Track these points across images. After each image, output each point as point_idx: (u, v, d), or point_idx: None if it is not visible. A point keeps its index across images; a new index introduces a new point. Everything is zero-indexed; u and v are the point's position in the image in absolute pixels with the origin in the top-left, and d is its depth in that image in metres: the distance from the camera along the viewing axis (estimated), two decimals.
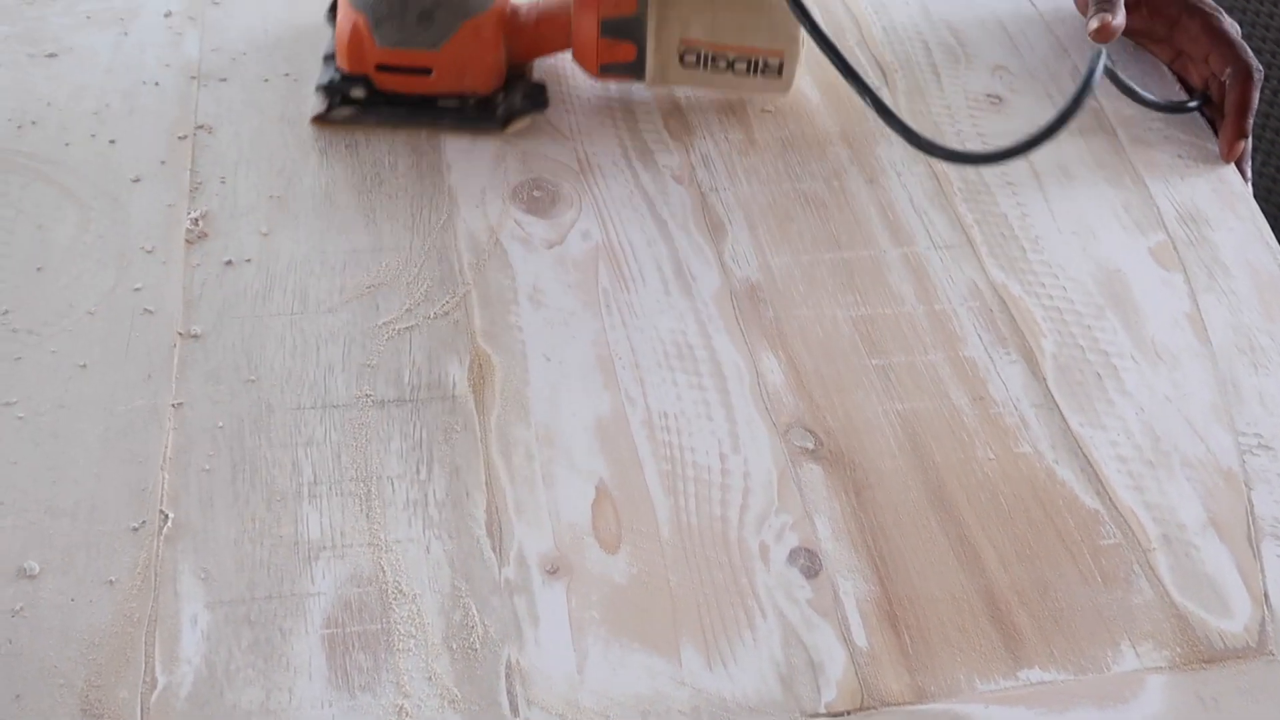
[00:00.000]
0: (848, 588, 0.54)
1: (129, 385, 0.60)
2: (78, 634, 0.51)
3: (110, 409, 0.59)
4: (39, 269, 0.65)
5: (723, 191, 0.72)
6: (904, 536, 0.56)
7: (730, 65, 0.72)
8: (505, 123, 0.73)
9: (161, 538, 0.54)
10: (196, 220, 0.67)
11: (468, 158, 0.73)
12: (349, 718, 0.49)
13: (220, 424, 0.58)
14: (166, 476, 0.56)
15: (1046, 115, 0.68)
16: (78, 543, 0.54)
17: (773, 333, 0.64)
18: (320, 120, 0.72)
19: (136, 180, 0.70)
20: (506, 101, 0.73)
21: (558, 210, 0.70)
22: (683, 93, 0.78)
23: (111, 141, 0.72)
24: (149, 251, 0.66)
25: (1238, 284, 0.68)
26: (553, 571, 0.54)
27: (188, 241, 0.66)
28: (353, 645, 0.51)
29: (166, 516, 0.55)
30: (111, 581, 0.52)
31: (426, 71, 0.71)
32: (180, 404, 0.59)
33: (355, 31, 0.70)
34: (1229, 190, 0.74)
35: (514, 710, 0.49)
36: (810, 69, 0.79)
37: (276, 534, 0.54)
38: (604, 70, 0.73)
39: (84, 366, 0.60)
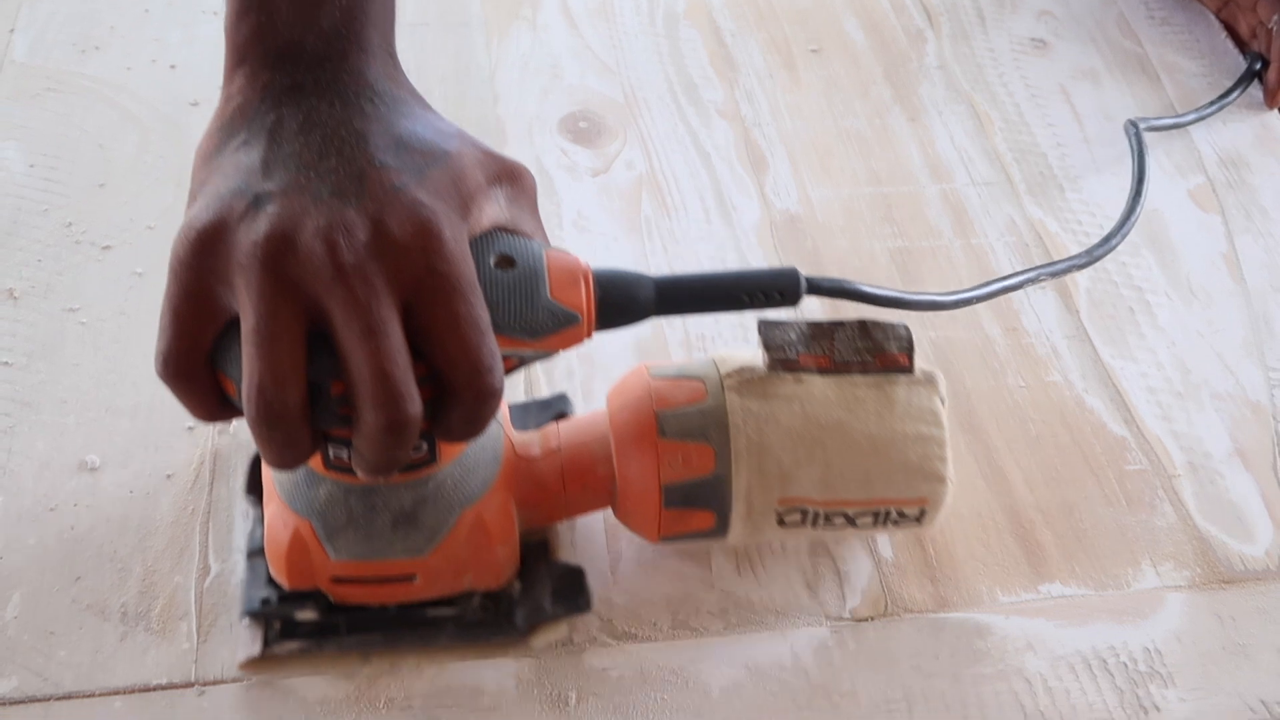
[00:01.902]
0: None
1: None
2: (136, 523, 0.53)
3: None
4: (101, 185, 0.67)
5: (765, 127, 0.73)
6: None
7: (850, 521, 0.50)
8: (529, 631, 0.51)
9: (217, 435, 0.56)
10: None
11: (517, 90, 0.74)
12: None
13: None
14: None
15: (1090, 60, 0.69)
16: (136, 440, 0.56)
17: (811, 262, 0.66)
18: (256, 665, 0.49)
19: (195, 104, 0.72)
20: (528, 599, 0.51)
21: (603, 141, 0.72)
22: (728, 28, 0.79)
23: (172, 67, 0.74)
24: None
25: (1275, 226, 0.69)
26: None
27: None
28: None
29: None
30: (169, 476, 0.55)
31: (409, 579, 0.49)
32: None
33: (297, 543, 0.47)
34: (1271, 136, 0.75)
35: None
36: (856, 11, 0.80)
37: None
38: (667, 540, 0.51)
39: (141, 274, 0.62)
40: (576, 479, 0.50)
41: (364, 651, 0.49)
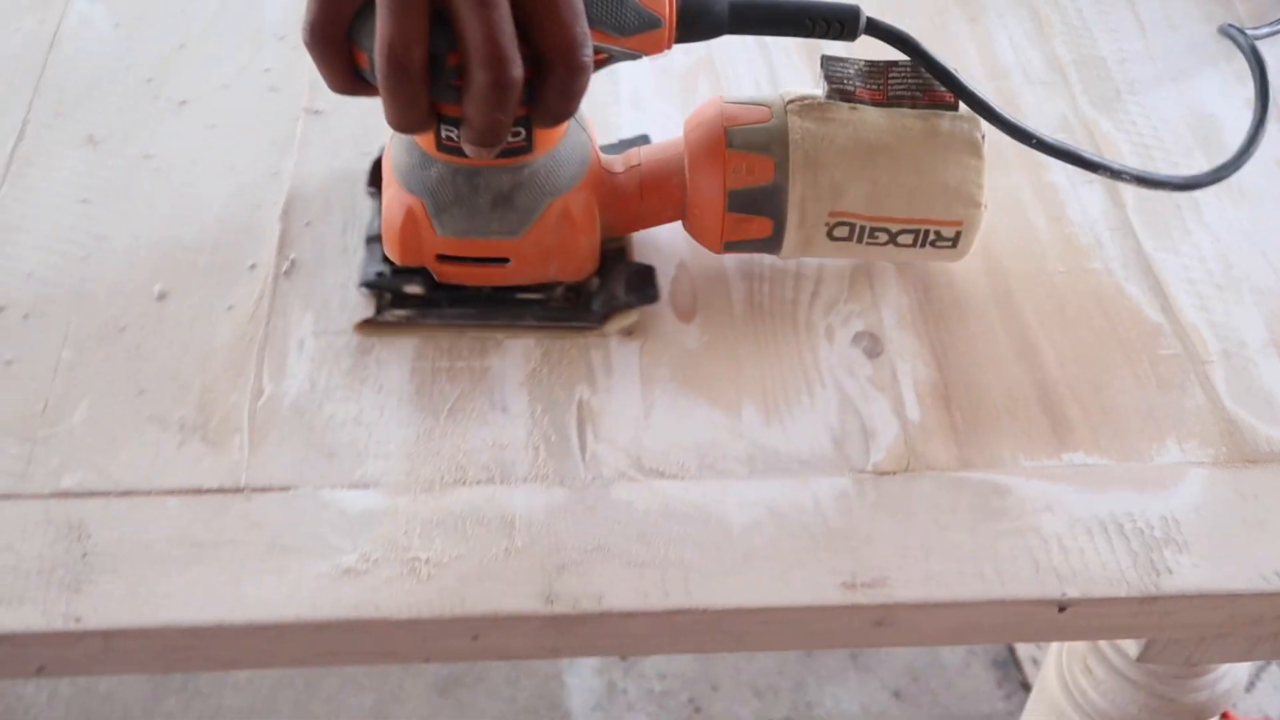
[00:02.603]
0: (906, 369, 0.57)
1: (254, 149, 0.65)
2: (197, 347, 0.56)
3: (235, 166, 0.64)
4: (181, 46, 0.70)
5: None
6: (966, 330, 0.59)
7: (892, 238, 0.56)
8: (604, 319, 0.57)
9: (279, 274, 0.59)
10: None
11: None
12: (434, 434, 0.53)
13: (333, 185, 0.63)
14: (281, 226, 0.61)
15: None
16: (201, 274, 0.59)
17: None
18: (368, 326, 0.56)
19: None
20: (604, 291, 0.58)
21: None
22: None
23: None
24: (280, 38, 0.71)
25: None
26: (628, 333, 0.58)
27: None
28: (441, 378, 0.56)
29: (287, 257, 0.60)
30: (230, 307, 0.58)
31: (503, 261, 0.55)
32: (300, 168, 0.64)
33: (410, 219, 0.54)
34: None
35: (582, 444, 0.54)
36: None
37: None
38: (729, 247, 0.58)
39: (214, 127, 0.65)
40: (653, 189, 0.57)
41: (460, 325, 0.57)
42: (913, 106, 0.55)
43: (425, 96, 0.48)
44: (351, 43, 0.48)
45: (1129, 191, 0.65)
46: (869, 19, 0.54)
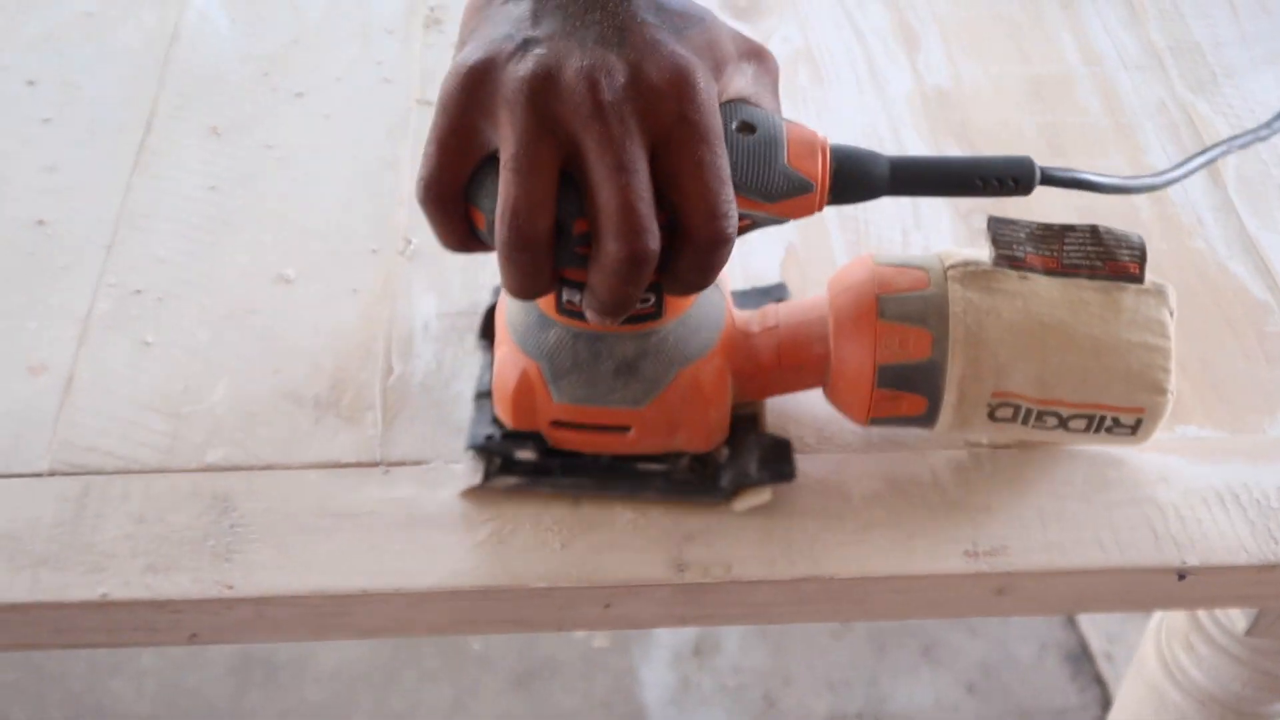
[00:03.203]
0: None
1: (371, 138, 0.67)
2: (327, 328, 0.58)
3: (354, 155, 0.66)
4: (295, 41, 0.72)
5: (919, 9, 0.75)
6: None
7: (1063, 422, 0.50)
8: (733, 495, 0.52)
9: (401, 258, 0.61)
10: (433, 8, 0.74)
11: None
12: None
13: None
14: (403, 212, 0.63)
15: None
16: (326, 258, 0.61)
17: (959, 133, 0.68)
18: (475, 494, 0.52)
19: None
20: (734, 464, 0.53)
21: (761, 16, 0.75)
22: None
23: None
24: (390, 32, 0.73)
25: None
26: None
27: (425, 26, 0.73)
28: None
29: (408, 241, 0.61)
30: (355, 290, 0.60)
31: (624, 430, 0.51)
32: (415, 156, 0.65)
33: (524, 383, 0.50)
34: None
35: None
36: None
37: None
38: (875, 422, 0.52)
39: (329, 117, 0.67)
40: (792, 355, 0.52)
41: (575, 495, 0.52)
42: (1090, 277, 0.49)
43: (548, 264, 0.43)
44: (469, 202, 0.44)
45: (1230, 172, 0.66)
46: (1042, 170, 0.48)
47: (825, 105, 0.69)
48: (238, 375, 0.56)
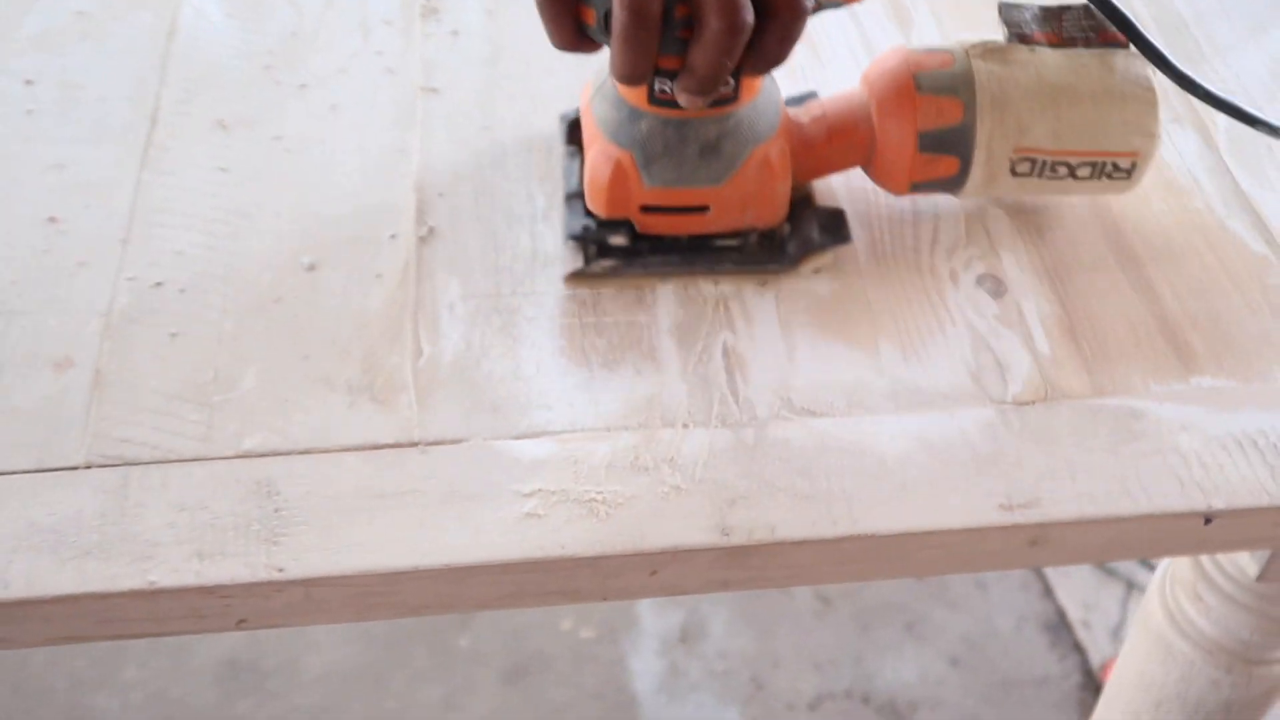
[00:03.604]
0: (1030, 307, 0.59)
1: (378, 126, 0.67)
2: (352, 314, 0.58)
3: (363, 144, 0.66)
4: (293, 34, 0.72)
5: None
6: (1083, 269, 0.61)
7: (1072, 171, 0.59)
8: (799, 260, 0.60)
9: (420, 243, 0.61)
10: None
11: None
12: (591, 385, 0.56)
13: (459, 158, 0.65)
14: (416, 198, 0.63)
15: None
16: (346, 245, 0.61)
17: None
18: (577, 277, 0.59)
19: None
20: (799, 234, 0.60)
21: None
22: None
23: None
24: (388, 23, 0.73)
25: None
26: (763, 284, 0.60)
27: (421, 16, 0.73)
28: (590, 331, 0.58)
29: (426, 225, 0.62)
30: (379, 275, 0.60)
31: (704, 210, 0.58)
32: (425, 143, 0.66)
33: (619, 171, 0.57)
34: None
35: (733, 388, 0.56)
36: None
37: (515, 247, 0.61)
38: (915, 188, 0.60)
39: (336, 107, 0.68)
40: (841, 135, 0.59)
41: (663, 273, 0.59)
42: (1087, 46, 0.58)
43: (656, 45, 0.50)
44: (579, 1, 0.51)
45: (1221, 135, 0.68)
46: None
47: (826, 84, 0.70)
48: (267, 362, 0.56)
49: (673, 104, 0.54)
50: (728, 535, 0.51)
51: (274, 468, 0.52)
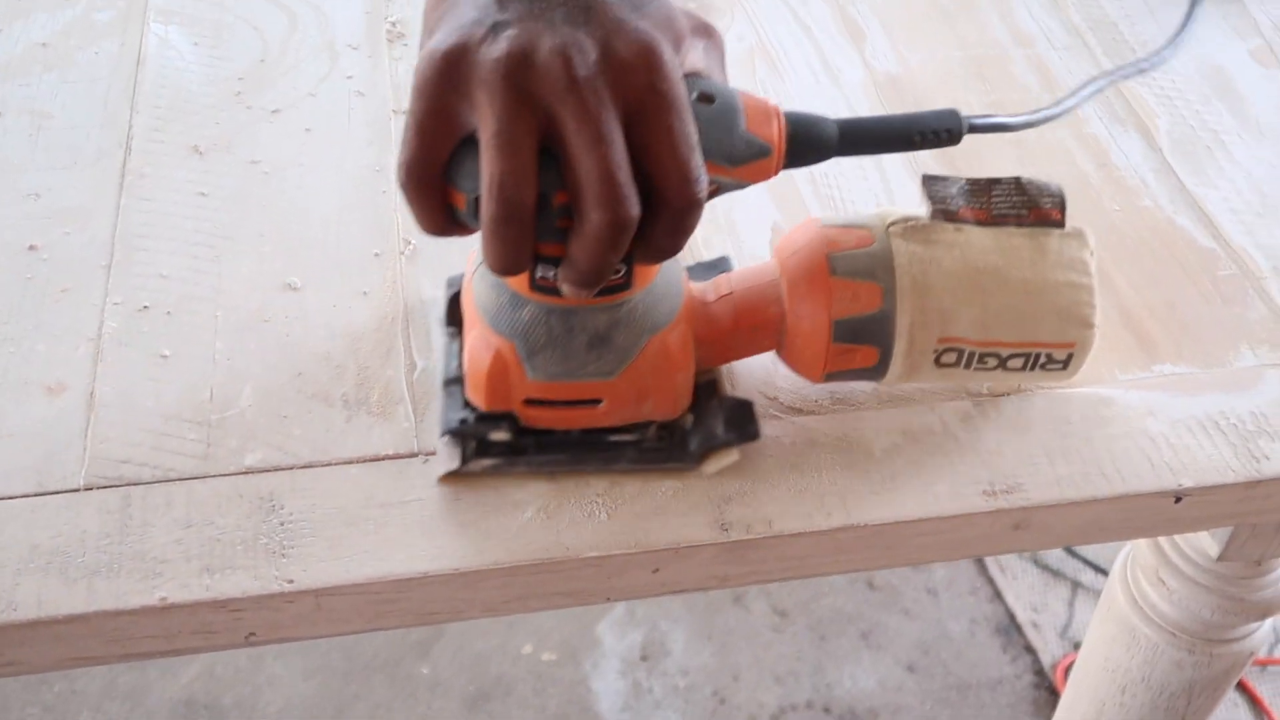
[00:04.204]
0: None
1: (354, 148, 0.68)
2: (342, 330, 0.59)
3: (340, 165, 0.67)
4: (261, 60, 0.73)
5: (859, 4, 0.80)
6: None
7: (1002, 363, 0.54)
8: (701, 458, 0.54)
9: (403, 259, 0.62)
10: (394, 23, 0.76)
11: None
12: None
13: None
14: (399, 217, 0.64)
15: None
16: (330, 265, 0.62)
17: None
18: (454, 478, 0.53)
19: None
20: (701, 429, 0.55)
21: (713, 18, 0.78)
22: None
23: None
24: (355, 48, 0.74)
25: None
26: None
27: (388, 40, 0.75)
28: None
29: (408, 242, 0.63)
30: (365, 293, 0.61)
31: (595, 403, 0.53)
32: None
33: (498, 363, 0.51)
34: None
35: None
36: None
37: None
38: (829, 377, 0.55)
39: (310, 130, 0.68)
40: (749, 318, 0.54)
41: (551, 471, 0.54)
42: (1018, 224, 0.53)
43: (531, 237, 0.45)
44: (448, 184, 0.46)
45: (1164, 138, 0.71)
46: (969, 121, 0.53)
47: (786, 96, 0.73)
48: (262, 381, 0.57)
49: (557, 291, 0.48)
50: (726, 531, 0.52)
51: (277, 482, 0.53)
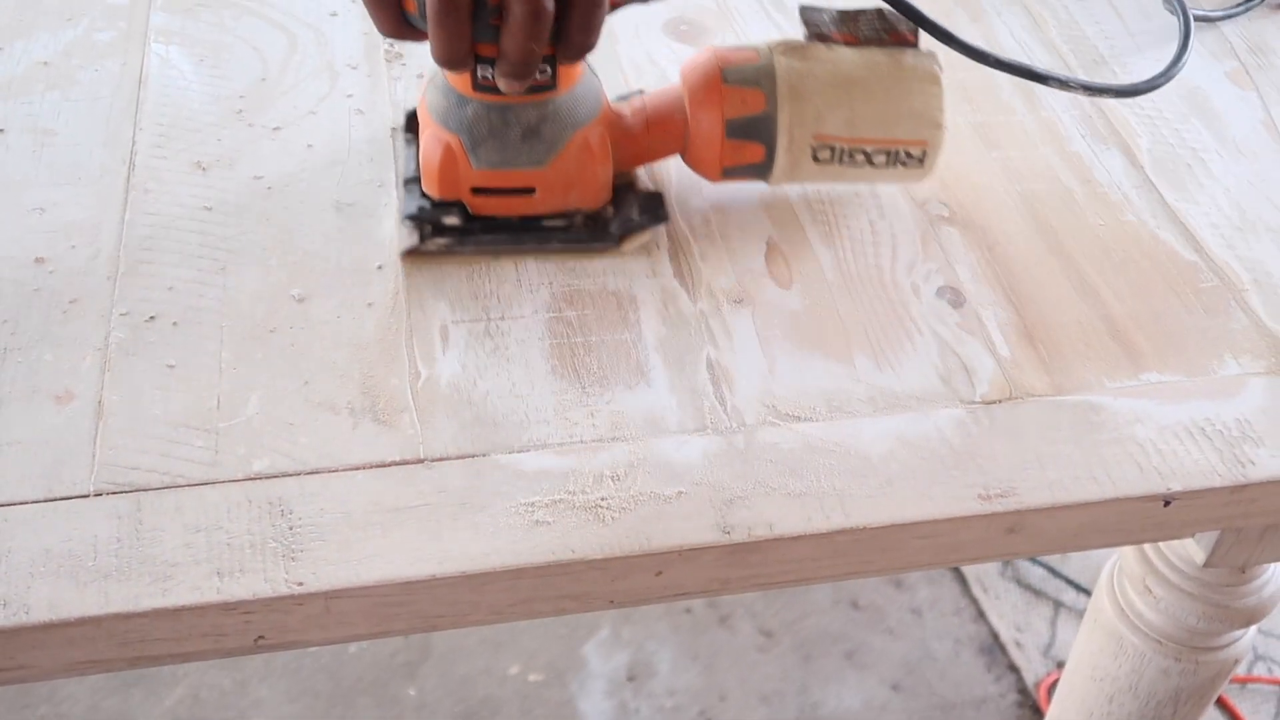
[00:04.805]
0: (989, 314, 0.63)
1: (355, 165, 0.69)
2: (348, 341, 0.60)
3: (341, 181, 0.68)
4: (262, 79, 0.74)
5: None
6: (1033, 279, 0.65)
7: (869, 158, 0.64)
8: (620, 239, 0.65)
9: (406, 273, 0.63)
10: (391, 44, 0.77)
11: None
12: (585, 400, 0.58)
13: None
14: (400, 230, 0.65)
15: None
16: (334, 277, 0.63)
17: None
18: (412, 254, 0.63)
19: (334, 14, 0.79)
20: (620, 216, 0.65)
21: (704, 40, 0.80)
22: None
23: None
24: (354, 68, 0.75)
25: None
26: (738, 301, 0.63)
27: (386, 60, 0.76)
28: (579, 351, 0.60)
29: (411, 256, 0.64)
30: (370, 304, 0.62)
31: (529, 191, 0.63)
32: (406, 179, 0.68)
33: (448, 154, 0.61)
34: None
35: (719, 397, 0.59)
36: None
37: (500, 274, 0.64)
38: (727, 173, 0.65)
39: (312, 147, 0.69)
40: (658, 125, 0.65)
41: (494, 250, 0.64)
42: (880, 45, 0.63)
43: (468, 31, 0.55)
44: None
45: (1145, 156, 0.73)
46: None
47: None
48: (268, 390, 0.57)
49: (495, 89, 0.59)
50: (728, 534, 0.53)
51: (286, 488, 0.54)
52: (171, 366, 0.58)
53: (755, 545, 0.54)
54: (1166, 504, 0.57)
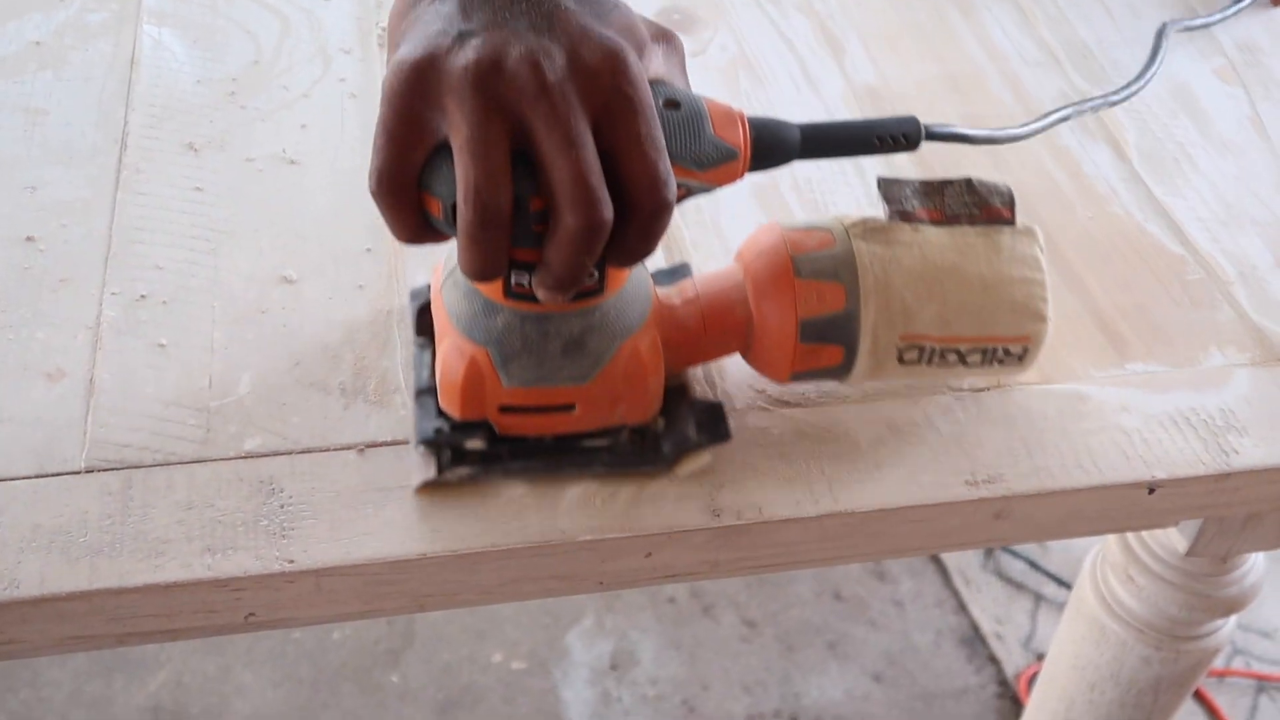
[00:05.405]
0: None
1: (347, 147, 0.69)
2: (339, 322, 0.60)
3: (333, 163, 0.68)
4: (254, 62, 0.74)
5: (837, 19, 0.82)
6: None
7: (962, 358, 0.55)
8: (674, 461, 0.55)
9: (397, 255, 0.63)
10: (385, 28, 0.77)
11: None
12: None
13: None
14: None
15: None
16: (325, 259, 0.63)
17: None
18: (430, 489, 0.53)
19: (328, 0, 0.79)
20: (674, 431, 0.55)
21: (697, 30, 0.80)
22: None
23: None
24: (347, 52, 0.75)
25: None
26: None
27: (379, 45, 0.76)
28: None
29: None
30: (360, 286, 0.62)
31: (569, 408, 0.53)
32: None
33: (473, 371, 0.51)
34: (1278, 27, 0.84)
35: (711, 384, 0.59)
36: None
37: None
38: (796, 377, 0.56)
39: (305, 127, 0.70)
40: (716, 321, 0.55)
41: (527, 478, 0.54)
42: (971, 223, 0.55)
43: (508, 243, 0.45)
44: (423, 190, 0.46)
45: (1132, 150, 0.74)
46: (927, 128, 0.54)
47: (768, 105, 0.75)
48: (260, 370, 0.58)
49: (531, 298, 0.49)
50: (718, 516, 0.54)
51: (276, 467, 0.54)
52: (163, 346, 0.58)
53: (744, 528, 0.54)
54: (1151, 491, 0.57)
